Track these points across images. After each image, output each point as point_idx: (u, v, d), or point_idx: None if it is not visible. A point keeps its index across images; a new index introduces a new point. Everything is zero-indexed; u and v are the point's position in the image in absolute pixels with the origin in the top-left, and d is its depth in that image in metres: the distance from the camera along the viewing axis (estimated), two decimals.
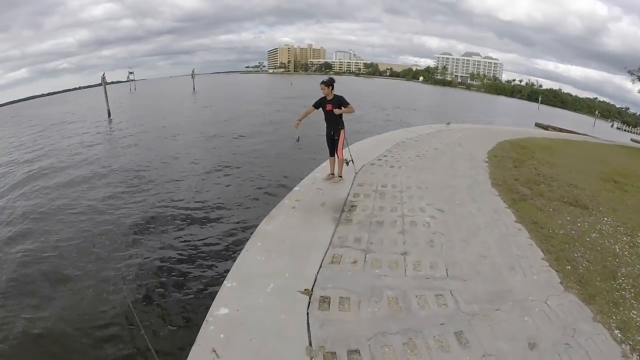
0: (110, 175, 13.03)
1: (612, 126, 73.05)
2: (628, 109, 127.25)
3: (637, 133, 64.45)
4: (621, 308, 3.85)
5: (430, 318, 3.54)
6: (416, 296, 3.86)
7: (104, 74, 31.97)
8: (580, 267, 4.58)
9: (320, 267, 4.28)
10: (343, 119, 6.69)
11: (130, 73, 68.20)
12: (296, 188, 6.72)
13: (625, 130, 68.37)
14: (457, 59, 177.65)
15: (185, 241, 8.35)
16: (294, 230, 5.10)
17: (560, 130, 34.91)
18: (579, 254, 4.90)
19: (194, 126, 23.61)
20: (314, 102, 6.67)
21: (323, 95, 6.50)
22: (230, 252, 7.73)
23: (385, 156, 9.57)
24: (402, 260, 4.52)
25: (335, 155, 6.87)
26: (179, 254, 7.88)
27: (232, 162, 14.61)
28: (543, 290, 4.03)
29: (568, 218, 6.18)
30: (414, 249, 4.79)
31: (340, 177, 7.04)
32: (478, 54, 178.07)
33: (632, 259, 4.97)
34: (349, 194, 6.58)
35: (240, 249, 4.66)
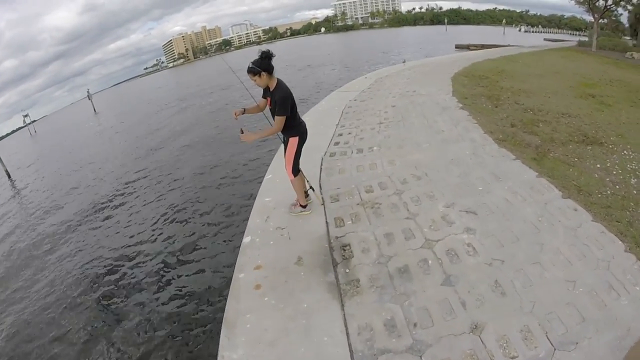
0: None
1: (519, 30, 77.32)
2: (528, 11, 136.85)
3: (542, 32, 69.32)
4: None
5: None
6: None
7: None
8: None
9: None
10: (297, 119, 4.42)
11: (25, 116, 61.90)
12: (246, 240, 4.44)
13: (533, 32, 72.88)
14: (353, 1, 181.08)
15: None
16: (280, 345, 2.95)
17: (482, 46, 35.18)
18: None
19: (102, 158, 19.81)
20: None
21: None
22: None
23: (341, 135, 7.57)
24: (478, 344, 2.76)
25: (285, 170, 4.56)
26: None
27: (153, 212, 10.59)
28: None
29: (598, 165, 5.51)
30: (482, 312, 3.03)
31: (303, 207, 4.73)
32: None
33: None
34: (327, 223, 4.48)
35: None
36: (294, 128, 4.32)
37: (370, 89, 11.79)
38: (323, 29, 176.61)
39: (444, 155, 5.83)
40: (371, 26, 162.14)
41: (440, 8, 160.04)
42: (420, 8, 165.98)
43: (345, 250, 3.94)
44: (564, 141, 6.42)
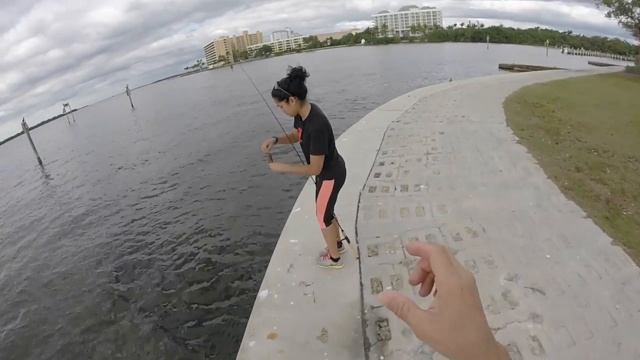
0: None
1: (562, 52, 74.57)
2: (570, 32, 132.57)
3: (586, 54, 66.48)
4: None
5: None
6: None
7: (23, 120, 26.89)
8: None
9: None
10: (335, 157, 3.44)
11: (65, 105, 63.64)
12: (263, 293, 3.66)
13: (576, 54, 70.13)
14: (395, 15, 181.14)
15: None
16: None
17: (527, 67, 33.63)
18: None
19: (132, 158, 19.06)
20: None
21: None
22: None
23: (383, 165, 6.66)
24: None
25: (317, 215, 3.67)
26: None
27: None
28: None
29: None
30: None
31: (334, 260, 3.87)
32: (415, 6, 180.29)
33: None
34: (361, 284, 3.64)
35: None
36: (330, 169, 3.38)
37: (414, 109, 10.87)
38: (363, 41, 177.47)
39: (504, 204, 4.88)
40: (411, 40, 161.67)
41: (482, 25, 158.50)
42: (462, 24, 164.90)
43: (381, 327, 3.10)
44: (635, 194, 5.40)
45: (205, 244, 7.84)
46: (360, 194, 5.44)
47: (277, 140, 3.45)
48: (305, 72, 3.04)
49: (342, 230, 3.87)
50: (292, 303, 3.46)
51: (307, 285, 3.65)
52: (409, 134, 8.33)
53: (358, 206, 5.10)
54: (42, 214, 12.87)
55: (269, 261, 4.16)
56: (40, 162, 23.98)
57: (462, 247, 4.05)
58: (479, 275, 3.61)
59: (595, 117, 10.07)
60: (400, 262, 3.88)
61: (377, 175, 6.18)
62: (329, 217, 3.58)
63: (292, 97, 3.05)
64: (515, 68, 34.81)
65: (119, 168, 17.69)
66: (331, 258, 3.85)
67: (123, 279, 7.14)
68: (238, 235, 7.89)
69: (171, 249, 7.97)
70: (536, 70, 30.15)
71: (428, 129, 8.56)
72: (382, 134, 8.47)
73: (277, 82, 3.08)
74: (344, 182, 3.53)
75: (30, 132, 27.15)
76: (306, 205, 5.09)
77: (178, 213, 9.84)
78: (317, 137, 3.10)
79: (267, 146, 3.33)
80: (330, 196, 3.46)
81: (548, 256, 3.84)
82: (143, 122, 35.24)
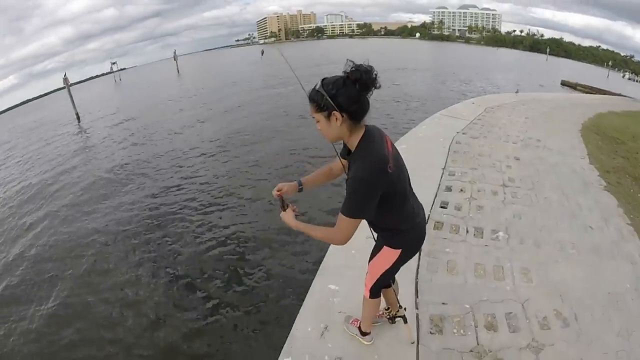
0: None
1: (623, 76, 69.96)
2: (632, 57, 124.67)
3: None
4: None
5: None
6: None
7: (65, 75, 26.53)
8: None
9: None
10: (407, 212, 2.06)
11: (113, 64, 69.23)
12: None
13: (637, 80, 65.37)
14: (453, 12, 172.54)
15: None
16: None
17: (592, 89, 30.87)
18: None
19: (169, 125, 18.66)
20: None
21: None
22: None
23: (450, 190, 5.37)
24: None
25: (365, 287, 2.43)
26: None
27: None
28: None
29: None
30: None
31: (363, 333, 2.73)
32: (475, 6, 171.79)
33: None
34: None
35: None
36: (398, 234, 2.11)
37: (481, 120, 9.45)
38: (418, 35, 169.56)
39: (599, 281, 3.63)
40: (467, 41, 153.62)
41: (542, 35, 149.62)
42: (521, 31, 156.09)
43: None
44: None
45: (212, 274, 6.13)
46: None
47: (301, 187, 2.21)
48: (375, 77, 1.66)
49: (401, 307, 2.66)
50: None
51: None
52: (478, 152, 7.01)
53: (420, 249, 3.89)
54: (70, 174, 12.89)
55: (296, 314, 3.10)
56: (78, 119, 24.17)
57: (550, 340, 2.89)
58: None
59: None
60: (471, 351, 2.77)
61: (444, 205, 4.93)
62: (379, 289, 2.41)
63: (336, 113, 1.69)
64: (579, 87, 32.13)
65: (154, 132, 17.37)
66: (360, 328, 2.74)
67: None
68: (258, 264, 6.21)
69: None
70: (601, 94, 27.63)
71: (500, 150, 7.22)
72: (447, 147, 7.18)
73: (323, 79, 1.72)
74: (417, 252, 2.33)
75: (77, 85, 28.27)
76: (355, 235, 3.86)
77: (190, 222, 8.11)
78: (355, 190, 1.77)
79: (280, 191, 2.13)
80: (390, 268, 2.23)
81: None
82: (186, 90, 35.01)
